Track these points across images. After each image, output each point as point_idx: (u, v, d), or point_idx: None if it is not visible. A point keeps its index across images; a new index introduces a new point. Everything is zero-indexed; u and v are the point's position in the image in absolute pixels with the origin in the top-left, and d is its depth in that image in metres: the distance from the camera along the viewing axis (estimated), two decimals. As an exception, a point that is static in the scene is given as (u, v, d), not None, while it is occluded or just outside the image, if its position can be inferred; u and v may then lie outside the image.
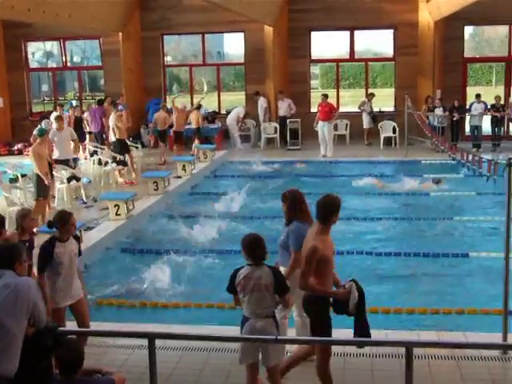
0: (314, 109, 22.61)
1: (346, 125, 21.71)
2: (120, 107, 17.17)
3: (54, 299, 6.26)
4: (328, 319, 5.52)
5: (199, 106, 20.66)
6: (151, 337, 4.73)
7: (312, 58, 23.11)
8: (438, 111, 20.14)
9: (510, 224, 6.32)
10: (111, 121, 16.29)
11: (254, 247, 5.39)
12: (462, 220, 12.10)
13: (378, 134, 20.92)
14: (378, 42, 24.50)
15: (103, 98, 20.51)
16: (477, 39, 30.51)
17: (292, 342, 5.46)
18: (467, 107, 20.71)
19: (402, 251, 10.21)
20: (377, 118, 21.30)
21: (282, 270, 6.06)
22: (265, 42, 21.91)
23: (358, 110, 21.56)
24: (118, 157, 15.77)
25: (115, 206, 11.91)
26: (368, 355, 6.42)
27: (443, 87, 21.27)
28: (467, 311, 7.78)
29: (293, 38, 22.24)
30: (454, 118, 20.13)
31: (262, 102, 21.74)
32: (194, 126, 19.40)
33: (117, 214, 11.89)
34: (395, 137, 20.89)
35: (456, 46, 21.75)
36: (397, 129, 20.79)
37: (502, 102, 20.50)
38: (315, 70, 30.71)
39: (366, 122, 21.17)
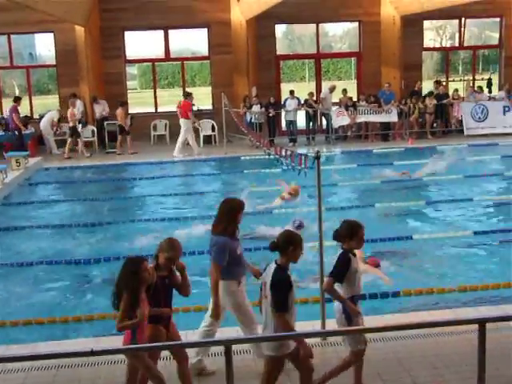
0: (131, 110, 22.28)
1: (166, 125, 21.59)
2: None
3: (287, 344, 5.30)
4: None
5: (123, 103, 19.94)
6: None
7: (127, 58, 22.73)
8: (256, 108, 20.61)
9: (321, 214, 6.52)
10: None
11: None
12: (281, 213, 12.39)
13: (197, 132, 20.98)
14: (193, 41, 24.64)
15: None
16: (289, 37, 31.70)
17: (109, 352, 5.20)
18: (282, 103, 21.40)
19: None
20: (196, 116, 21.35)
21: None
22: (77, 43, 21.15)
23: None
24: None
25: None
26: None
27: (258, 84, 21.80)
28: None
29: (106, 38, 21.72)
30: (270, 114, 20.70)
31: (78, 105, 20.98)
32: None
33: None
34: (214, 135, 21.11)
35: (269, 44, 22.41)
36: (215, 127, 21.01)
37: (314, 98, 21.39)
38: (133, 70, 30.31)
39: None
